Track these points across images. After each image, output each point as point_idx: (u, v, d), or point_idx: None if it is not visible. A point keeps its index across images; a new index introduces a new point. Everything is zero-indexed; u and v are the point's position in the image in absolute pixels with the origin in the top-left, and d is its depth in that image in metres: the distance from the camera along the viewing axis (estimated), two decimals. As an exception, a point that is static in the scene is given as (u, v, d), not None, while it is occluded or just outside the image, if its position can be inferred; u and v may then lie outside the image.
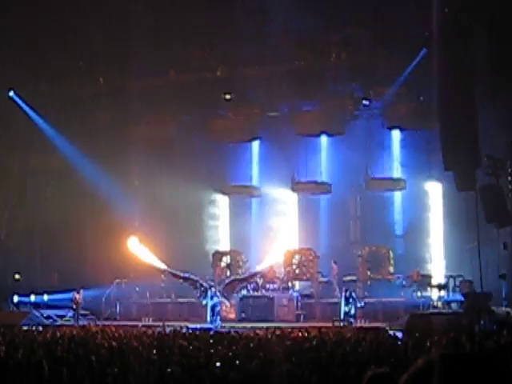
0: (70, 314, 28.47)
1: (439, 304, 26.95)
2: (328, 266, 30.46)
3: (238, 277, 27.27)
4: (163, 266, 26.02)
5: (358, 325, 24.65)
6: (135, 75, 31.34)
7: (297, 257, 30.42)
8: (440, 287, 27.77)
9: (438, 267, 29.84)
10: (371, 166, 30.72)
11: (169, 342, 14.68)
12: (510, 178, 26.81)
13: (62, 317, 28.70)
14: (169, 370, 9.21)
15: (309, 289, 30.06)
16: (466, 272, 27.28)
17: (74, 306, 28.11)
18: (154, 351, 12.44)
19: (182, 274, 25.97)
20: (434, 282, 28.51)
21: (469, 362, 2.52)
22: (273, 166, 32.64)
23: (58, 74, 30.59)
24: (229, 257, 31.70)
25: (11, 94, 31.36)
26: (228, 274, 29.72)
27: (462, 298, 24.75)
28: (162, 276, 28.43)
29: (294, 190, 31.84)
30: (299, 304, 28.30)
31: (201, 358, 10.95)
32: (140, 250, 25.72)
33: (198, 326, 23.15)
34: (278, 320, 26.84)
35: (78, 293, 28.08)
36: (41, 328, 22.26)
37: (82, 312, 29.22)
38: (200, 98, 31.23)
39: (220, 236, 34.00)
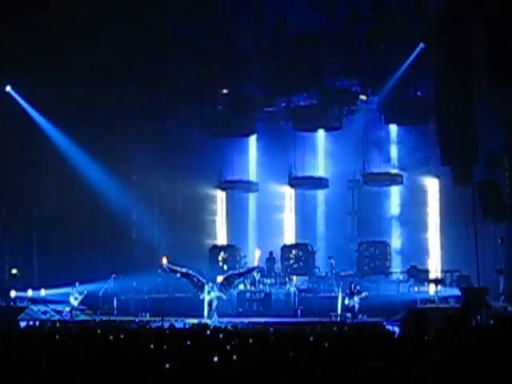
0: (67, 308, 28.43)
1: (436, 299, 26.97)
2: (325, 261, 30.51)
3: (235, 271, 27.27)
4: (164, 261, 26.07)
5: (356, 320, 24.72)
6: (133, 70, 31.26)
7: (294, 251, 30.47)
8: (437, 282, 27.77)
9: (435, 262, 29.87)
10: (368, 160, 30.73)
11: (166, 337, 14.67)
12: (507, 172, 26.82)
13: (59, 312, 28.66)
14: (166, 365, 9.20)
15: (306, 284, 30.09)
16: (463, 267, 27.32)
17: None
18: (152, 346, 12.44)
19: (179, 269, 25.97)
20: (432, 276, 28.53)
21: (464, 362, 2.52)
22: (270, 160, 32.67)
23: (56, 69, 30.49)
24: (226, 251, 31.73)
25: (8, 88, 31.27)
26: (225, 268, 29.72)
27: (460, 293, 24.77)
28: (159, 271, 28.41)
29: (291, 184, 31.87)
30: (296, 299, 28.32)
31: (198, 353, 10.95)
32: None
33: (196, 321, 23.16)
34: (276, 315, 26.86)
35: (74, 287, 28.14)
36: (38, 323, 22.25)
37: (80, 307, 29.22)
38: (197, 92, 31.16)
39: (217, 231, 34.02)
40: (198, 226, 33.44)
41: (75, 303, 28.01)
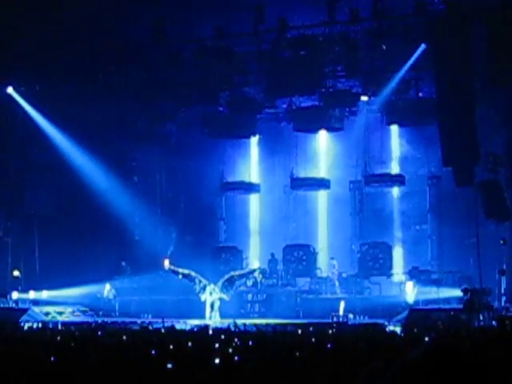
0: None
1: (438, 300, 26.95)
2: (327, 262, 30.52)
3: (236, 273, 27.28)
4: (167, 263, 26.16)
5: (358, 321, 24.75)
6: (134, 71, 31.27)
7: (296, 253, 30.46)
8: (439, 283, 27.77)
9: (437, 262, 29.84)
10: (370, 161, 30.72)
11: (167, 338, 14.65)
12: (508, 173, 26.81)
13: (61, 313, 28.70)
14: (168, 366, 9.19)
15: (308, 285, 30.08)
16: (465, 268, 27.31)
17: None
18: (153, 348, 12.43)
19: (180, 270, 26.00)
20: (433, 277, 28.52)
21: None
22: (271, 162, 32.70)
23: (57, 70, 30.51)
24: (227, 253, 31.72)
25: (9, 89, 31.28)
26: (227, 269, 29.71)
27: (461, 294, 24.76)
28: (161, 272, 28.45)
29: (292, 186, 31.82)
30: (298, 300, 28.31)
31: (200, 355, 10.93)
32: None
33: (197, 322, 23.17)
34: (277, 316, 26.86)
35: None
36: (40, 325, 22.24)
37: (82, 309, 29.29)
38: (198, 93, 31.14)
39: (219, 232, 34.00)
40: (199, 228, 33.42)
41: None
